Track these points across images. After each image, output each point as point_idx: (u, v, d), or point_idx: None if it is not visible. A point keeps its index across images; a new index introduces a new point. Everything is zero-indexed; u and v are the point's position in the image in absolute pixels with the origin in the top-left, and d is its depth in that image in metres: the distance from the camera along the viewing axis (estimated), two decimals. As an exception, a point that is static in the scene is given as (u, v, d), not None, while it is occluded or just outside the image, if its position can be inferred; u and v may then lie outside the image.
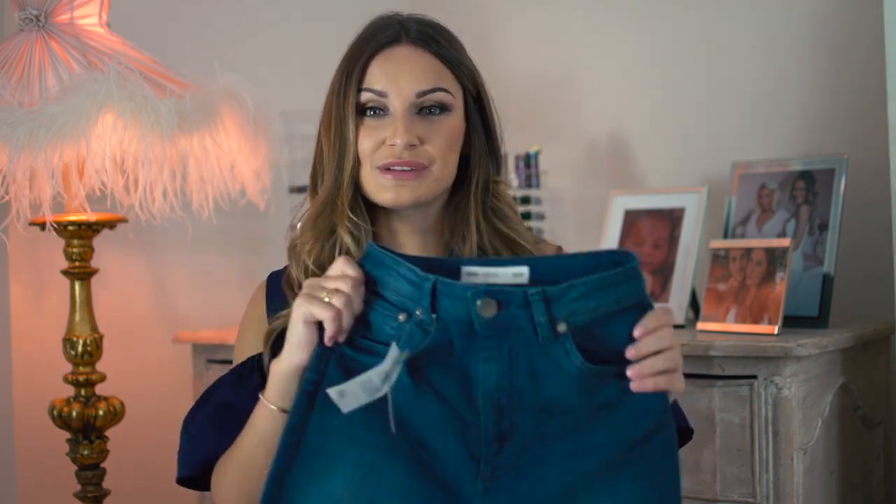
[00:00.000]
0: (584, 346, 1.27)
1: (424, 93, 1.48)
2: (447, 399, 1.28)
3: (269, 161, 2.37)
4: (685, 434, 1.54)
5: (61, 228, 2.28)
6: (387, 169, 1.47)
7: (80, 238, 2.30)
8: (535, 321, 1.25)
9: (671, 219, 2.42)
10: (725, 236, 2.35)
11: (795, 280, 2.20)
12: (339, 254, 1.48)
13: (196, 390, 2.50)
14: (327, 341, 1.31)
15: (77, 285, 2.33)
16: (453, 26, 1.56)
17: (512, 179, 2.65)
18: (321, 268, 1.46)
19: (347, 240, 1.48)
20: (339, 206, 1.49)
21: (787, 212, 2.28)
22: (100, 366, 2.36)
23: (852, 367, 2.13)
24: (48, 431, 2.39)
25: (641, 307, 1.29)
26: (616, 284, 1.27)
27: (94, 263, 2.35)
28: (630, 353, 1.27)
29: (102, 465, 2.35)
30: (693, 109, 2.65)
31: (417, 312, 1.28)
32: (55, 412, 2.32)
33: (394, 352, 1.26)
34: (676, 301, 2.35)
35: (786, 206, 2.28)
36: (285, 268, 1.55)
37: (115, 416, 2.34)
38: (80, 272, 2.32)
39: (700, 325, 2.21)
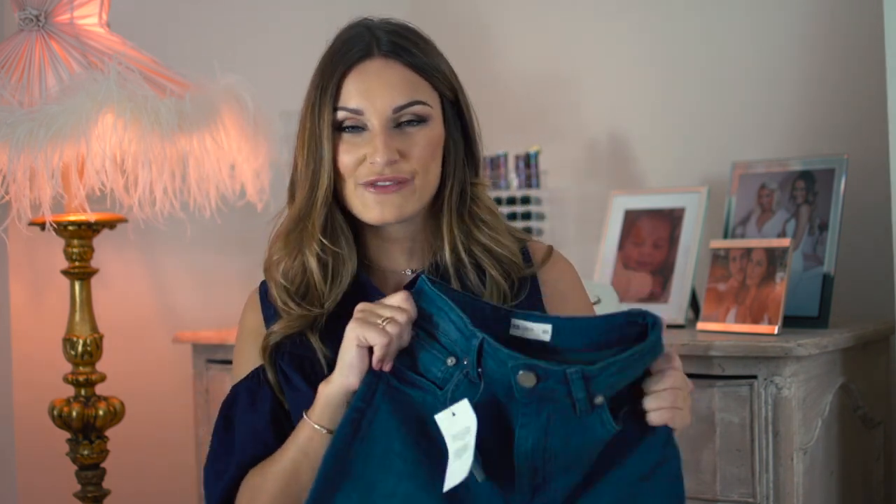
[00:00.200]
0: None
1: (401, 108, 1.48)
2: (486, 444, 1.32)
3: (268, 161, 2.37)
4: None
5: (61, 228, 2.27)
6: (370, 184, 1.48)
7: (80, 238, 2.30)
8: (574, 396, 1.30)
9: (671, 219, 2.42)
10: (725, 236, 2.35)
11: (795, 280, 2.20)
12: (307, 274, 1.49)
13: (196, 390, 2.49)
14: (375, 365, 1.36)
15: (77, 285, 2.33)
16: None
17: (512, 179, 2.65)
18: (291, 282, 1.49)
19: (312, 263, 1.49)
20: (310, 227, 1.50)
21: (787, 212, 2.27)
22: (100, 366, 2.35)
23: (852, 367, 2.13)
24: (48, 431, 2.39)
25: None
26: (648, 353, 1.33)
27: (94, 263, 2.35)
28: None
29: (102, 465, 2.35)
30: (693, 109, 2.65)
31: (465, 362, 1.34)
32: (55, 412, 2.31)
33: (465, 405, 1.31)
34: (676, 301, 2.35)
35: (786, 206, 2.28)
36: None
37: (115, 416, 2.33)
38: (80, 272, 2.32)
39: (700, 325, 2.21)
